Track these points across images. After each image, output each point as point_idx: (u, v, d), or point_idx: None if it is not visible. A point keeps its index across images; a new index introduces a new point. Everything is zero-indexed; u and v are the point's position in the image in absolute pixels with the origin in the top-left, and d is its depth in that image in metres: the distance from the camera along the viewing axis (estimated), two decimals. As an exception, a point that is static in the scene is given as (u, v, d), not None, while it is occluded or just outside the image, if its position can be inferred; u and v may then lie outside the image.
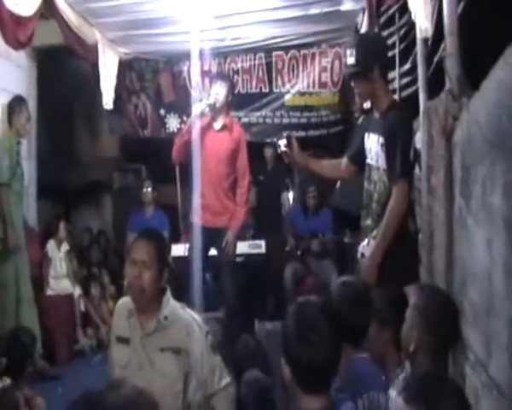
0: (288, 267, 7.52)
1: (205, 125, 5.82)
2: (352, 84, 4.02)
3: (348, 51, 3.87)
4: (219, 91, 5.80)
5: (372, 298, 2.92)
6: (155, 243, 3.21)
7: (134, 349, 3.19)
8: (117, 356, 3.26)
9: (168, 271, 3.28)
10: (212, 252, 6.09)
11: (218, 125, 5.91)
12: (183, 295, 4.70)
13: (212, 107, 5.77)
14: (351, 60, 3.81)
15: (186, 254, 6.14)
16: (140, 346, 3.17)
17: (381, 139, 3.76)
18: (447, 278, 2.99)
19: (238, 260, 6.59)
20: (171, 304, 3.23)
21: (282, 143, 4.27)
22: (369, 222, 3.90)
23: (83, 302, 7.52)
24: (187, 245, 6.20)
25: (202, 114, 5.78)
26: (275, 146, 4.90)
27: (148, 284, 3.10)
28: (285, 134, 4.34)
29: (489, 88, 2.17)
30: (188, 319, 3.24)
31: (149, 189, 8.08)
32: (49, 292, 7.06)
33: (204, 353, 3.20)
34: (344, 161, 4.36)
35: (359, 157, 4.14)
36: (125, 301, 3.34)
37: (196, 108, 5.83)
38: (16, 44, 5.25)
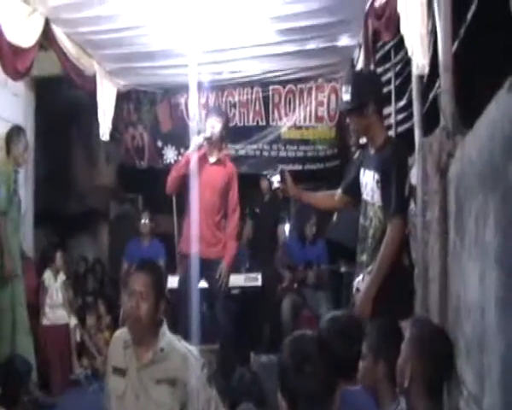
0: (285, 300, 7.52)
1: (201, 157, 5.89)
2: (348, 120, 4.04)
3: (344, 88, 3.90)
4: (215, 125, 5.88)
5: (362, 332, 2.95)
6: (153, 275, 3.24)
7: (130, 380, 3.19)
8: (113, 386, 3.27)
9: (165, 302, 3.31)
10: (203, 283, 6.09)
11: (212, 158, 5.99)
12: (178, 328, 4.70)
13: (209, 140, 5.84)
14: (346, 96, 3.83)
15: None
16: (136, 377, 3.18)
17: (377, 176, 3.77)
18: (441, 312, 3.00)
19: (234, 292, 6.59)
20: (167, 336, 3.26)
21: (276, 179, 4.29)
22: (364, 258, 3.90)
23: (78, 332, 7.49)
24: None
25: (200, 147, 5.84)
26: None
27: (145, 314, 3.12)
28: (278, 169, 4.36)
29: (482, 126, 2.20)
30: (184, 351, 3.26)
31: (147, 220, 8.12)
32: (45, 322, 7.02)
33: (200, 385, 3.21)
34: (337, 192, 4.40)
35: (353, 189, 4.16)
36: (122, 332, 3.36)
37: (194, 141, 5.89)
38: (15, 75, 5.29)
